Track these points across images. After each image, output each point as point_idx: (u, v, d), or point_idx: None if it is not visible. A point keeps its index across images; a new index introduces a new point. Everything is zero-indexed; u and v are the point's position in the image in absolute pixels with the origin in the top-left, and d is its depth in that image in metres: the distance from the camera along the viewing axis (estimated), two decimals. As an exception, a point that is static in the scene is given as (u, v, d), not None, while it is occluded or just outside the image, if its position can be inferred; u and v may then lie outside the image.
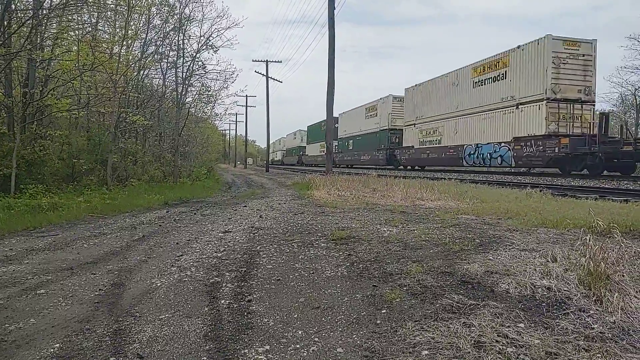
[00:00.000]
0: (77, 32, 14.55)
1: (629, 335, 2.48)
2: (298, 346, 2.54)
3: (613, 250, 3.48)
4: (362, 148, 39.65)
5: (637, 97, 36.56)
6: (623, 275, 3.18)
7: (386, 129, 34.66)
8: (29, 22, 11.30)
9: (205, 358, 2.43)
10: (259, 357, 2.42)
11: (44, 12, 11.65)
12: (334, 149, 33.32)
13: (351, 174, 18.46)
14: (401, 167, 32.35)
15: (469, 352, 2.31)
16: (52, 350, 2.57)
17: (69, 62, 12.47)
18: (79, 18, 14.65)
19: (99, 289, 3.71)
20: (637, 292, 2.97)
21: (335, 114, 40.59)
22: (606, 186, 12.58)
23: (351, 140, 42.27)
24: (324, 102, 20.09)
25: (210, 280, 3.83)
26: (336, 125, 43.58)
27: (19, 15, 12.00)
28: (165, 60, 20.32)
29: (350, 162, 42.44)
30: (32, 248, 5.49)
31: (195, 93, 23.97)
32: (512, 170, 23.25)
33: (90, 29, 15.37)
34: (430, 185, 11.65)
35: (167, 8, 17.91)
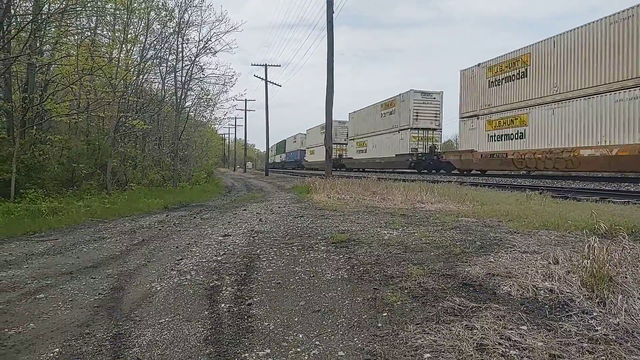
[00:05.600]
0: (76, 36, 14.54)
1: (633, 337, 2.46)
2: (299, 350, 2.52)
3: (616, 252, 3.46)
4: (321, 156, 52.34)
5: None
6: (626, 277, 3.17)
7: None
8: (28, 26, 11.32)
9: (205, 362, 2.41)
10: (260, 361, 2.40)
11: (43, 16, 11.66)
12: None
13: (351, 177, 18.44)
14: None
15: (472, 355, 2.29)
16: (51, 354, 2.55)
17: (68, 67, 12.49)
18: (78, 22, 14.64)
19: (99, 293, 3.69)
20: (640, 293, 2.95)
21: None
22: (607, 188, 12.58)
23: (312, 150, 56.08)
24: (324, 106, 20.07)
25: (210, 284, 3.81)
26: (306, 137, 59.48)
27: (18, 20, 12.01)
28: (165, 65, 20.36)
29: (314, 165, 54.21)
30: (32, 252, 5.47)
31: (194, 97, 24.03)
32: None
33: (89, 34, 15.34)
34: (430, 188, 11.64)
35: (165, 12, 17.93)
